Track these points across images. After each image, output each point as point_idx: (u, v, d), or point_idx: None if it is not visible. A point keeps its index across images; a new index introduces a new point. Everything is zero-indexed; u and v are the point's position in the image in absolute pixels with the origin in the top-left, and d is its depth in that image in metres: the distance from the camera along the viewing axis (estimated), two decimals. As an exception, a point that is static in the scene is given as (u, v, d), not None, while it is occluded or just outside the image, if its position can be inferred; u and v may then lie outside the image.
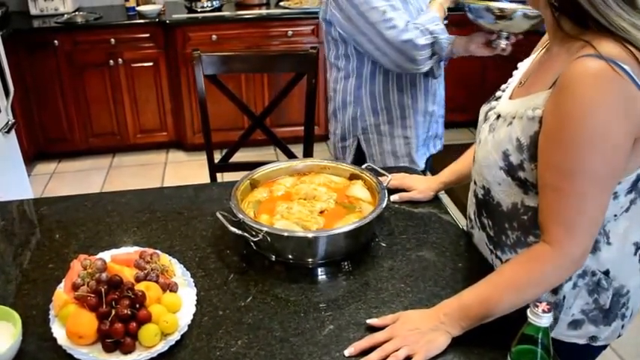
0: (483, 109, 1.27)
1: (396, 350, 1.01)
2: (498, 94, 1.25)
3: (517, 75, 1.24)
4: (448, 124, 4.25)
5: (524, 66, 1.24)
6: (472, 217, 1.30)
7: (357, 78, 1.88)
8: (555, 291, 1.14)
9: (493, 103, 1.23)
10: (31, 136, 3.87)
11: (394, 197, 1.51)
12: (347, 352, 1.03)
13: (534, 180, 1.06)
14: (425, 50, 1.71)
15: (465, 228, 1.39)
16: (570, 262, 1.03)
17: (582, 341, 1.19)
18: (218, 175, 2.30)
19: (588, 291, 1.14)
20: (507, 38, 1.68)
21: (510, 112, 1.12)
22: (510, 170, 1.10)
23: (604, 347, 1.23)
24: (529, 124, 1.05)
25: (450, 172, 1.51)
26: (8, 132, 2.81)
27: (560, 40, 1.06)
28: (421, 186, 1.53)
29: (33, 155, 3.95)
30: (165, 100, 4.03)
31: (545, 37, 1.22)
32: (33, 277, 1.25)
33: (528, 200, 1.11)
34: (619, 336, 1.22)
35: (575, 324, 1.17)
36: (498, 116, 1.17)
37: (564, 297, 1.14)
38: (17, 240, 1.41)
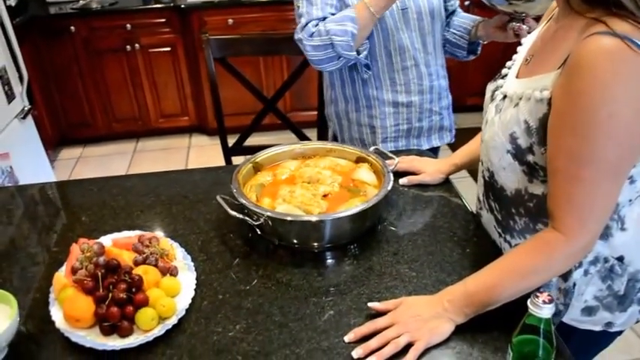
0: (490, 87, 1.22)
1: (397, 337, 0.98)
2: (504, 71, 1.19)
3: (522, 51, 1.18)
4: (468, 108, 4.25)
5: (529, 41, 1.19)
6: (481, 198, 1.26)
7: None
8: (565, 278, 1.10)
9: (500, 81, 1.18)
10: (54, 121, 3.92)
11: (403, 180, 1.47)
12: (347, 338, 1.01)
13: (544, 164, 1.01)
14: (319, 51, 1.56)
15: (474, 210, 1.35)
16: (580, 250, 0.99)
17: (598, 328, 1.15)
18: (234, 158, 2.28)
19: (601, 277, 1.10)
20: (523, 21, 1.58)
21: (517, 92, 1.07)
22: (518, 154, 1.05)
23: (619, 332, 1.19)
24: (537, 106, 1.00)
25: (463, 154, 1.47)
26: (24, 117, 2.83)
27: (567, 14, 1.00)
28: (431, 169, 1.49)
29: (57, 141, 4.00)
30: (185, 84, 4.03)
31: (550, 9, 1.16)
32: (37, 261, 1.25)
33: (532, 188, 1.07)
34: (637, 321, 1.18)
35: (588, 310, 1.13)
36: (505, 96, 1.12)
37: (575, 284, 1.10)
38: (23, 224, 1.41)
